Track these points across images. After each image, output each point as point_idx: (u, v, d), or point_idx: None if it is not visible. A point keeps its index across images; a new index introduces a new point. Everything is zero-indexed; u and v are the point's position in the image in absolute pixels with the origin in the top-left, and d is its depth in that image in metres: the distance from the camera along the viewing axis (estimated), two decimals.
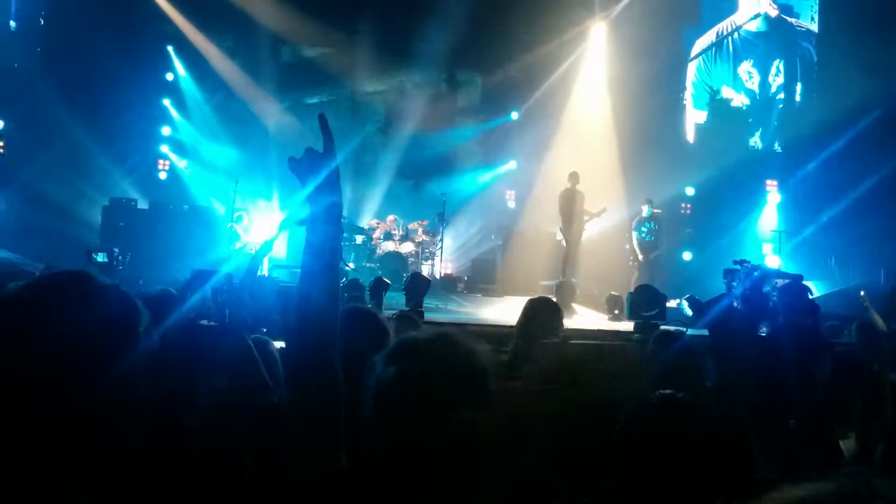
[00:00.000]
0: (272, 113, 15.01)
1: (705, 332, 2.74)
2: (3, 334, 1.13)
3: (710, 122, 16.18)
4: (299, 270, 1.54)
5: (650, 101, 14.57)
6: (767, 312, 3.22)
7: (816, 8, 16.32)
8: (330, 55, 15.48)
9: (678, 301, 9.55)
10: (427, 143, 15.20)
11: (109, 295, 1.22)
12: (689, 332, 4.62)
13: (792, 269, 10.73)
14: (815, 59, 16.31)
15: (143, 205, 12.65)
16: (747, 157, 15.52)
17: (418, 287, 6.71)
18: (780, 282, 4.12)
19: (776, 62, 16.38)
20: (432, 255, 13.29)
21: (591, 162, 12.89)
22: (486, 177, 15.57)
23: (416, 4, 13.56)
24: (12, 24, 13.24)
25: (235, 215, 11.94)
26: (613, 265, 12.68)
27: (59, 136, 12.57)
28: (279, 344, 2.59)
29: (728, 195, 14.54)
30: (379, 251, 12.83)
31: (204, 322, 2.15)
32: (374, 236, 13.03)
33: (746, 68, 16.29)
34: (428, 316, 6.97)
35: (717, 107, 16.24)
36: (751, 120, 16.30)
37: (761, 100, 16.34)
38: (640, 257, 11.84)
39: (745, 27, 16.31)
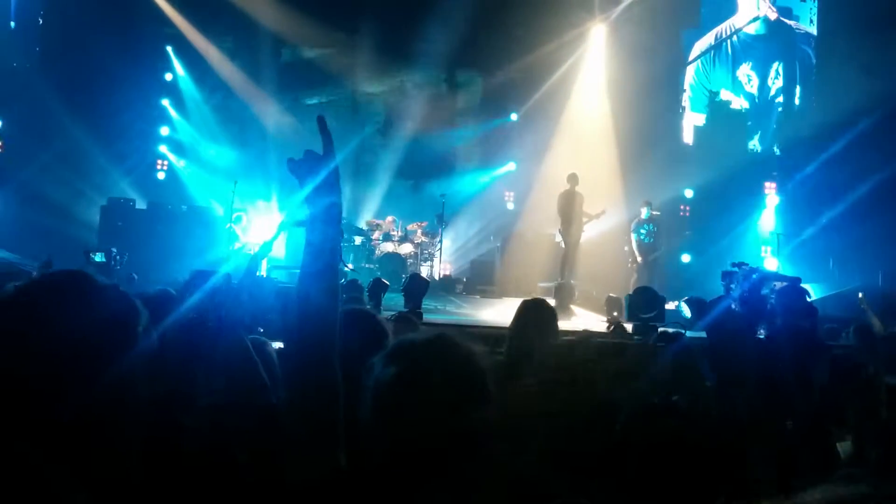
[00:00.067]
0: (271, 113, 15.01)
1: (704, 333, 2.74)
2: (2, 334, 1.13)
3: (708, 124, 16.20)
4: (298, 271, 1.54)
5: (650, 103, 14.58)
6: (766, 314, 3.23)
7: (815, 10, 16.35)
8: (329, 56, 15.49)
9: (677, 303, 9.58)
10: (426, 144, 15.22)
11: (108, 295, 1.22)
12: (688, 333, 4.62)
13: (790, 272, 10.75)
14: (814, 61, 16.34)
15: (141, 205, 12.65)
16: (746, 159, 15.53)
17: (417, 288, 6.71)
18: (778, 284, 4.12)
19: (775, 65, 16.40)
20: (431, 257, 13.30)
21: (591, 164, 12.89)
22: (485, 178, 15.59)
23: (416, 5, 13.56)
24: (12, 24, 13.24)
25: (234, 216, 11.94)
26: (612, 267, 12.68)
27: (57, 135, 12.57)
28: (277, 344, 2.59)
29: (727, 197, 14.55)
30: (378, 252, 12.83)
31: (202, 322, 2.15)
32: (373, 237, 13.03)
33: (745, 71, 16.31)
34: (426, 317, 6.97)
35: (716, 109, 16.26)
36: (750, 123, 16.32)
37: (760, 103, 16.36)
38: (639, 259, 11.85)
39: (744, 30, 16.33)
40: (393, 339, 1.84)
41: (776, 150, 16.12)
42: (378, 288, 6.38)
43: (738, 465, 1.70)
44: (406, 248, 12.95)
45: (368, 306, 5.26)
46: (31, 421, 1.09)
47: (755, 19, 16.32)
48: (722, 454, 1.58)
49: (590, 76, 15.09)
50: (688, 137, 16.19)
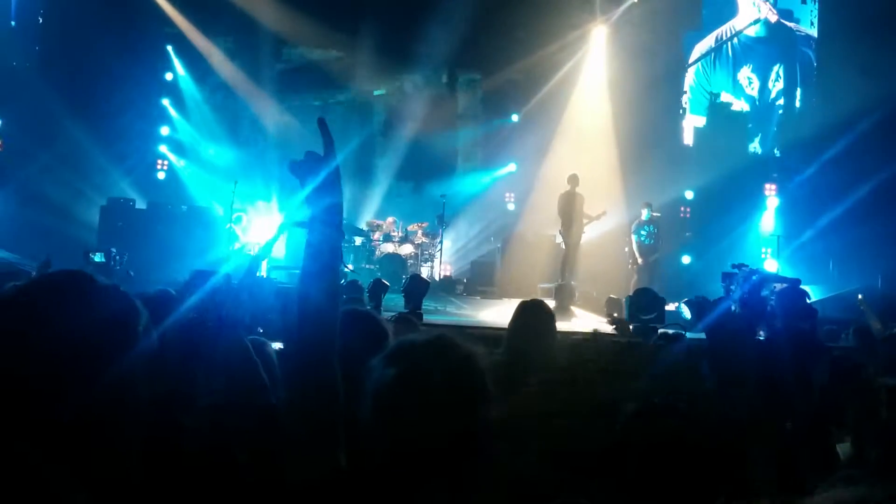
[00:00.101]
0: (271, 113, 15.02)
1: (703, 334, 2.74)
2: (2, 334, 1.13)
3: (709, 125, 16.20)
4: (298, 271, 1.54)
5: (650, 105, 14.59)
6: (765, 316, 3.23)
7: (816, 13, 16.34)
8: (330, 57, 15.50)
9: (677, 304, 9.58)
10: (427, 144, 15.21)
11: (107, 295, 1.22)
12: (688, 335, 4.62)
13: (790, 274, 10.75)
14: (815, 63, 16.34)
15: (141, 205, 12.65)
16: (746, 160, 15.54)
17: (417, 289, 6.72)
18: (778, 286, 4.12)
19: (776, 67, 16.40)
20: (431, 257, 13.30)
21: (591, 165, 12.90)
22: (486, 179, 15.59)
23: (417, 6, 13.57)
24: (12, 23, 13.24)
25: (234, 216, 11.94)
26: (612, 268, 12.70)
27: (57, 135, 12.57)
28: (277, 345, 2.59)
29: (727, 199, 14.55)
30: (378, 253, 12.84)
31: (202, 322, 2.15)
32: (373, 238, 13.03)
33: (746, 74, 16.31)
34: (427, 318, 6.98)
35: (717, 111, 16.26)
36: (750, 126, 16.32)
37: (761, 105, 16.36)
38: (640, 260, 11.85)
39: (744, 32, 16.33)
40: (393, 340, 1.85)
41: (777, 153, 16.13)
42: (378, 289, 6.39)
43: (738, 465, 1.70)
44: (406, 249, 12.96)
45: (368, 307, 5.26)
46: (31, 421, 1.09)
47: (756, 21, 16.32)
48: (722, 454, 1.58)
49: (590, 77, 15.09)
50: (688, 139, 16.19)
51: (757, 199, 15.20)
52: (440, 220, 12.97)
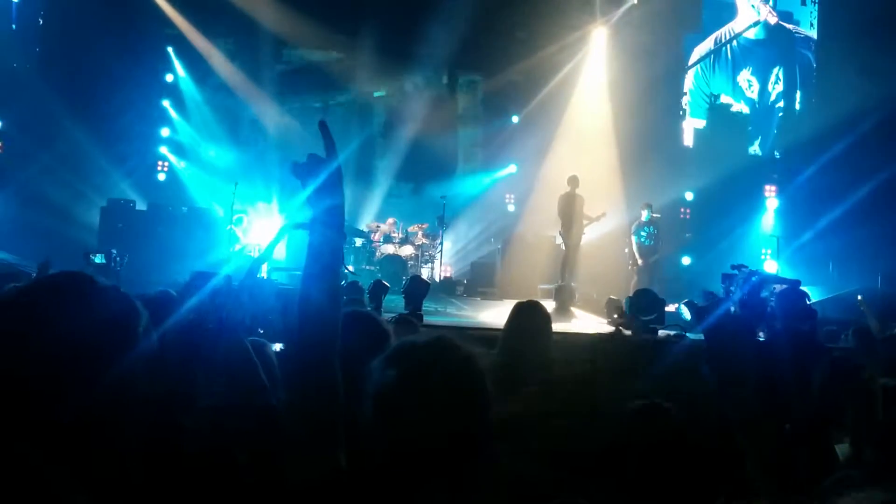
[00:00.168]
0: (272, 115, 15.02)
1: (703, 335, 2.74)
2: (2, 335, 1.13)
3: (709, 127, 16.22)
4: (298, 273, 1.55)
5: (651, 106, 14.60)
6: (765, 317, 3.23)
7: (816, 14, 16.35)
8: (330, 58, 15.50)
9: (677, 305, 9.57)
10: (427, 146, 15.21)
11: (108, 296, 1.22)
12: (688, 335, 4.63)
13: (790, 275, 10.75)
14: (815, 65, 16.34)
15: (141, 206, 12.63)
16: (746, 162, 15.55)
17: (417, 290, 6.72)
18: (778, 287, 4.12)
19: (776, 70, 16.40)
20: (432, 259, 13.30)
21: (591, 166, 12.91)
22: (486, 180, 15.60)
23: (418, 8, 13.57)
24: (13, 27, 13.25)
25: (235, 217, 11.94)
26: (613, 269, 12.69)
27: (57, 136, 12.56)
28: (277, 346, 2.59)
29: (727, 200, 14.57)
30: (378, 254, 12.83)
31: (202, 323, 2.15)
32: (373, 239, 13.03)
33: (746, 76, 16.31)
34: (427, 319, 6.97)
35: (717, 112, 16.27)
36: (750, 128, 16.33)
37: (761, 108, 16.36)
38: (640, 261, 11.85)
39: (744, 35, 16.33)
40: (394, 342, 1.85)
41: (777, 155, 16.14)
42: (378, 290, 6.38)
43: (737, 465, 1.70)
44: (407, 250, 12.96)
45: (369, 308, 5.26)
46: (32, 422, 1.09)
47: (755, 24, 16.32)
48: (721, 454, 1.58)
49: (591, 79, 15.10)
50: (688, 140, 16.19)
51: (757, 201, 15.21)
52: (440, 222, 12.97)
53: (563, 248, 10.86)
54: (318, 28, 14.15)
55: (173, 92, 14.78)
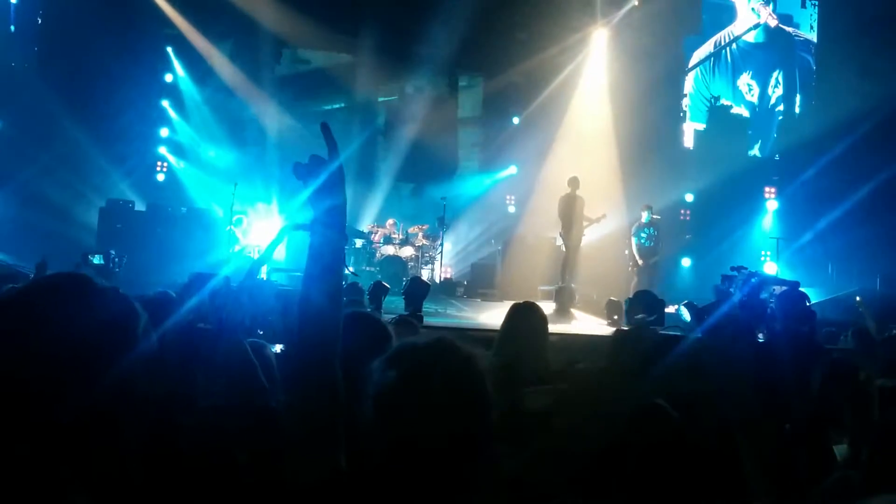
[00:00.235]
0: (272, 115, 15.00)
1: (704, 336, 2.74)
2: (2, 336, 1.13)
3: (709, 128, 16.23)
4: (298, 274, 1.55)
5: (651, 108, 14.61)
6: (765, 319, 3.23)
7: (815, 17, 16.35)
8: (331, 59, 15.51)
9: (677, 307, 9.57)
10: (428, 147, 15.22)
11: (107, 297, 1.22)
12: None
13: (789, 276, 10.75)
14: (814, 68, 16.35)
15: (140, 207, 12.61)
16: (746, 163, 15.56)
17: (418, 291, 6.70)
18: (777, 288, 4.12)
19: (775, 73, 16.40)
20: (432, 260, 13.30)
21: (592, 167, 12.91)
22: (486, 181, 15.60)
23: (419, 9, 13.58)
24: (12, 28, 13.24)
25: (234, 218, 11.93)
26: (613, 270, 12.70)
27: (56, 136, 12.55)
28: (277, 347, 2.60)
29: (727, 202, 14.58)
30: (378, 255, 12.83)
31: (201, 325, 2.15)
32: (373, 240, 13.04)
33: (746, 80, 16.32)
34: (427, 320, 6.96)
35: (717, 114, 16.27)
36: (750, 132, 16.34)
37: (761, 112, 16.37)
38: (640, 263, 11.85)
39: (743, 38, 16.33)
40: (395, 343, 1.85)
41: (777, 158, 16.15)
42: (378, 291, 6.37)
43: (737, 465, 1.70)
44: (407, 252, 12.96)
45: (369, 309, 5.26)
46: (32, 422, 1.09)
47: (755, 27, 16.32)
48: (721, 454, 1.58)
49: (591, 80, 15.11)
50: (688, 142, 16.20)
51: (756, 202, 15.23)
52: (441, 223, 12.97)
53: (564, 249, 10.86)
54: (319, 29, 14.15)
55: (173, 92, 14.77)
